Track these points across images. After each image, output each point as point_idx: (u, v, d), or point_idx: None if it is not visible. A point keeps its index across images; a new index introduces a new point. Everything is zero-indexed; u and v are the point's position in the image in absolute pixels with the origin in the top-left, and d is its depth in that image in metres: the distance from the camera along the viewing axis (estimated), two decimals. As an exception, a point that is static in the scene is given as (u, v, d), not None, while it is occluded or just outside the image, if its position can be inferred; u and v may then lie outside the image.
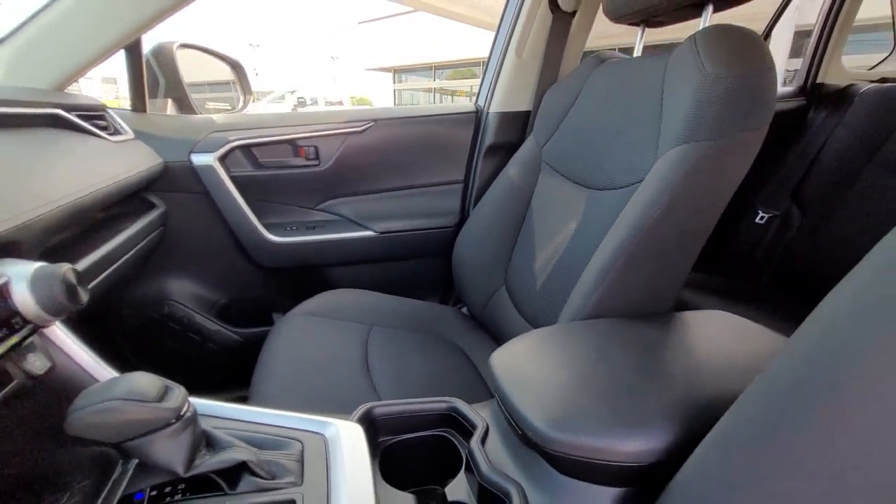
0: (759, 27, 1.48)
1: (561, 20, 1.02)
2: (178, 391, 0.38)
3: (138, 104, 0.96)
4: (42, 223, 0.49)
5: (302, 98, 10.59)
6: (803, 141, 1.33)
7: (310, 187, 1.10)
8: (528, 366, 0.48)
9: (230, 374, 1.09)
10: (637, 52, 0.85)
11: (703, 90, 0.59)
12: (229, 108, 1.29)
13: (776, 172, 1.38)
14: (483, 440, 0.46)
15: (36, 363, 0.43)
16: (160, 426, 0.37)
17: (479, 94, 1.18)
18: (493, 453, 0.45)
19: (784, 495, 0.27)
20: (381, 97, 19.98)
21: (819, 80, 1.39)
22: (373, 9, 17.78)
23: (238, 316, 1.14)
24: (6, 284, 0.38)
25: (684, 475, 0.34)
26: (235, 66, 1.20)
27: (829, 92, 1.35)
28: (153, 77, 1.01)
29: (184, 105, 1.04)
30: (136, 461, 0.40)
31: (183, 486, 0.38)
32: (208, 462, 0.39)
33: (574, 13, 1.02)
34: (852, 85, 1.32)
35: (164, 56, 0.99)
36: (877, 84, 1.30)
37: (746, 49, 0.61)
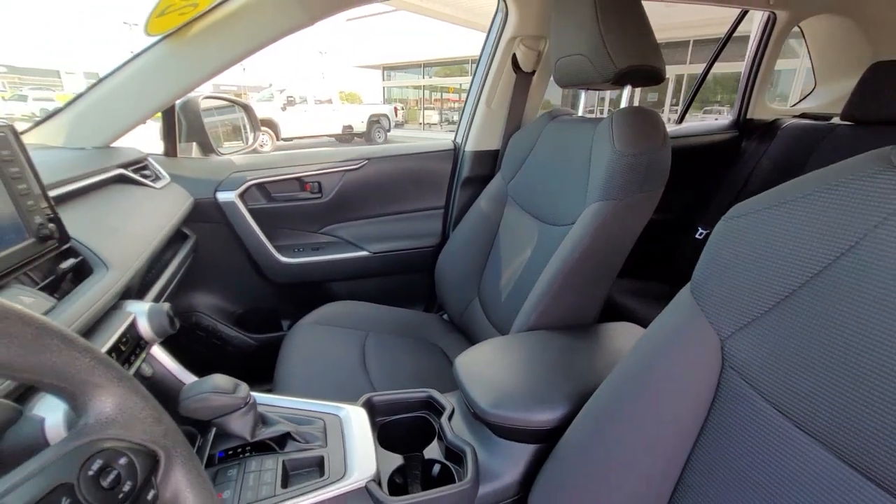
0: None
1: (522, 78, 1.23)
2: (244, 386, 0.59)
3: (170, 150, 1.16)
4: (140, 270, 0.68)
5: (291, 97, 10.62)
6: (735, 168, 1.55)
7: (314, 215, 1.31)
8: (480, 367, 0.70)
9: (247, 372, 1.29)
10: (580, 113, 1.06)
11: (613, 163, 0.80)
12: (233, 132, 1.47)
13: (715, 195, 1.61)
14: (450, 418, 0.67)
15: (147, 370, 0.63)
16: (235, 409, 0.57)
17: (456, 133, 1.39)
18: (456, 426, 0.66)
19: (613, 438, 0.48)
20: (371, 94, 20.01)
21: (749, 116, 1.62)
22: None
23: (253, 323, 1.34)
24: (135, 319, 0.59)
25: (568, 433, 0.55)
26: (246, 108, 1.39)
27: (757, 125, 1.58)
28: (180, 124, 1.20)
29: (205, 147, 1.23)
30: (214, 432, 0.60)
31: (249, 448, 0.58)
32: (265, 432, 0.59)
33: (533, 73, 1.23)
34: (777, 119, 1.55)
35: (190, 107, 1.18)
36: (797, 119, 1.53)
37: (647, 130, 0.82)
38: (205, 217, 1.16)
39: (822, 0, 1.38)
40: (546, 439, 0.59)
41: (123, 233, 0.72)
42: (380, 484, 0.55)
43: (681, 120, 1.82)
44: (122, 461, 0.27)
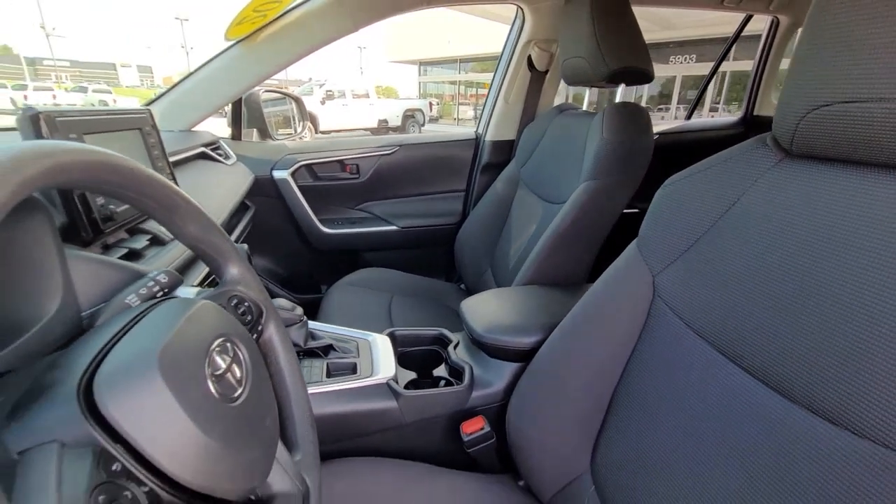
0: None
1: (536, 77, 1.39)
2: (300, 308, 0.78)
3: (236, 134, 1.39)
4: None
5: (330, 91, 11.01)
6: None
7: (352, 193, 1.51)
8: (480, 306, 0.87)
9: (292, 327, 1.52)
10: (584, 107, 1.22)
11: (600, 149, 0.96)
12: (285, 121, 1.70)
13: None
14: (455, 348, 0.85)
15: None
16: (293, 322, 0.77)
17: (478, 124, 1.56)
18: (459, 353, 0.84)
19: (569, 356, 0.65)
20: (407, 88, 20.32)
21: (756, 112, 1.71)
22: (400, 2, 17.97)
23: (296, 285, 1.56)
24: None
25: (540, 352, 0.72)
26: (297, 101, 1.61)
27: (764, 121, 1.67)
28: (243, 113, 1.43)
29: (263, 133, 1.46)
30: None
31: (301, 353, 0.78)
32: (313, 343, 0.79)
33: (546, 72, 1.39)
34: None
35: (253, 99, 1.40)
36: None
37: (632, 122, 0.97)
38: (262, 191, 1.38)
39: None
40: (525, 358, 0.76)
41: (207, 199, 0.94)
42: (397, 383, 0.74)
43: (689, 116, 1.92)
44: (247, 304, 0.47)
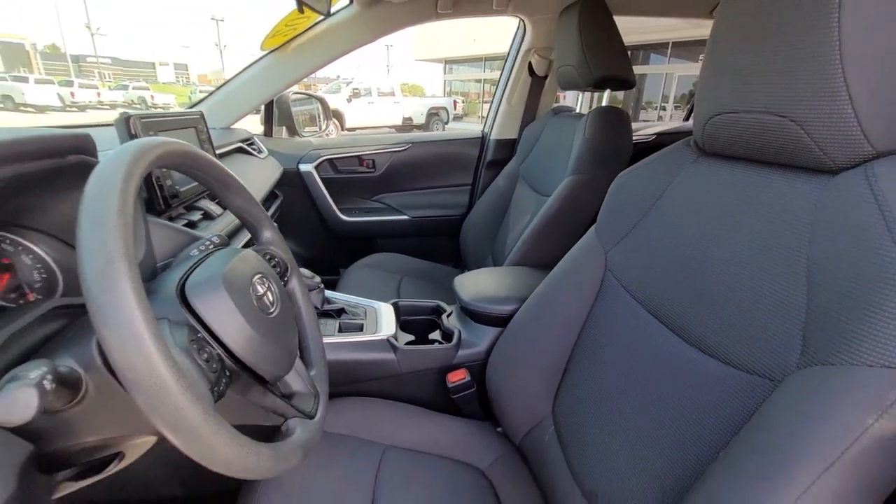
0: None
1: (537, 81, 1.52)
2: (318, 277, 0.95)
3: (267, 131, 1.57)
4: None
5: (357, 89, 11.26)
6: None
7: (368, 185, 1.68)
8: (469, 280, 1.02)
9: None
10: (578, 110, 1.34)
11: (581, 147, 1.09)
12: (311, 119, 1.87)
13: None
14: (448, 317, 1.00)
15: None
16: (311, 288, 0.93)
17: (484, 124, 1.70)
18: (451, 321, 0.99)
19: (536, 322, 0.79)
20: (433, 87, 20.48)
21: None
22: (427, 0, 18.11)
23: (317, 266, 1.72)
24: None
25: (514, 318, 0.86)
26: (321, 101, 1.79)
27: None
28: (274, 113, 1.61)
29: (291, 130, 1.64)
30: None
31: (318, 314, 0.94)
32: (328, 306, 0.95)
33: (545, 77, 1.52)
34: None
35: (283, 100, 1.58)
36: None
37: (612, 125, 1.10)
38: (289, 182, 1.56)
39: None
40: (504, 324, 0.90)
41: (246, 186, 1.11)
42: (396, 340, 0.89)
43: (687, 117, 2.01)
44: (276, 259, 0.63)
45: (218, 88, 1.39)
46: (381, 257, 1.56)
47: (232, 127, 1.43)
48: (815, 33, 0.42)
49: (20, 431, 0.40)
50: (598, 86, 1.16)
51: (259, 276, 0.51)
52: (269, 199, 1.45)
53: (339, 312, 0.96)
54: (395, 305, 1.03)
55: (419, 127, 12.56)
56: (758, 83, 0.49)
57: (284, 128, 1.64)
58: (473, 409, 0.92)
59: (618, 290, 0.70)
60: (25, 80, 16.09)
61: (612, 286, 0.72)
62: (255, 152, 1.38)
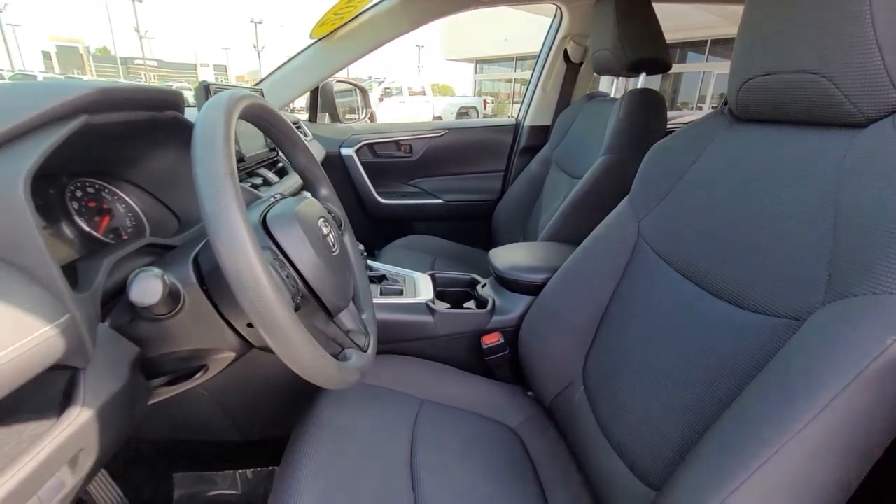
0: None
1: (571, 68, 1.55)
2: (361, 245, 1.01)
3: (312, 117, 1.66)
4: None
5: (388, 89, 11.45)
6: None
7: (405, 170, 1.75)
8: (504, 252, 1.07)
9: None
10: (612, 94, 1.36)
11: (615, 127, 1.12)
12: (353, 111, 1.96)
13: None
14: (482, 287, 1.05)
15: None
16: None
17: (519, 111, 1.74)
18: (485, 291, 1.03)
19: (568, 288, 0.83)
20: (464, 86, 20.56)
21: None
22: (459, 0, 18.19)
23: (355, 249, 1.81)
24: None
25: (547, 286, 0.90)
26: (362, 90, 1.87)
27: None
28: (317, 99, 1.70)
29: (333, 117, 1.72)
30: None
31: (363, 280, 1.01)
32: (370, 273, 1.02)
33: (581, 64, 1.54)
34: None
35: (326, 88, 1.67)
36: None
37: (647, 106, 1.12)
38: (331, 165, 1.65)
39: None
40: (536, 292, 0.94)
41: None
42: (434, 304, 0.95)
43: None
44: (333, 215, 0.69)
45: (269, 75, 1.48)
46: (416, 239, 1.62)
47: (282, 111, 1.52)
48: None
49: (131, 336, 0.48)
50: (634, 69, 1.18)
51: (322, 219, 0.57)
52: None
53: (381, 279, 1.02)
54: (433, 276, 1.08)
55: (449, 126, 12.59)
56: (791, 43, 0.52)
57: (327, 114, 1.73)
58: (505, 373, 0.97)
59: (650, 255, 0.73)
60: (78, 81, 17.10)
61: (644, 252, 0.75)
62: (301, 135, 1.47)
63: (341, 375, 0.47)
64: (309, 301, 0.52)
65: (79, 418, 0.38)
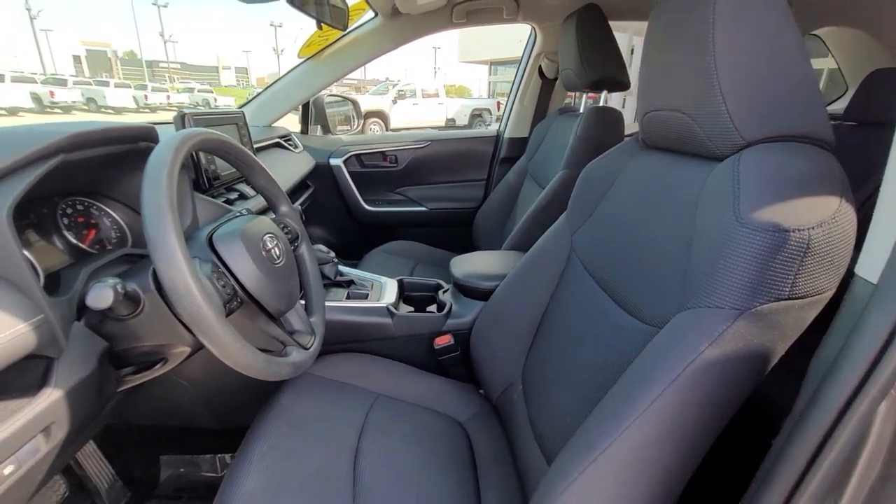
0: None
1: (547, 83, 1.62)
2: (332, 253, 1.11)
3: (304, 129, 1.77)
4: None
5: (402, 91, 11.58)
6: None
7: (390, 179, 1.85)
8: (463, 261, 1.15)
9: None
10: (581, 109, 1.44)
11: (573, 143, 1.19)
12: (346, 123, 2.07)
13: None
14: (444, 292, 1.14)
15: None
16: (326, 262, 1.09)
17: (500, 123, 1.82)
18: (446, 296, 1.12)
19: (512, 294, 0.91)
20: (480, 88, 20.60)
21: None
22: (474, 2, 18.26)
23: (343, 251, 1.91)
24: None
25: (496, 291, 0.98)
26: (353, 103, 1.97)
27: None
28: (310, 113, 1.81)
29: (325, 129, 1.83)
30: None
31: (330, 284, 1.10)
32: (340, 278, 1.11)
33: (555, 79, 1.62)
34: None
35: (318, 102, 1.77)
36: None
37: (604, 124, 1.19)
38: (321, 175, 1.75)
39: (822, 15, 1.53)
40: (486, 297, 1.02)
41: (278, 174, 1.30)
42: (395, 308, 1.04)
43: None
44: (288, 228, 0.79)
45: (262, 91, 1.60)
46: (399, 244, 1.72)
47: (274, 125, 1.64)
48: (698, 48, 0.52)
49: (101, 333, 0.58)
50: (595, 87, 1.25)
51: (269, 235, 0.67)
52: (302, 188, 1.65)
53: (349, 283, 1.12)
54: (400, 282, 1.17)
55: (462, 128, 12.68)
56: (669, 85, 0.60)
57: (319, 127, 1.84)
58: (458, 372, 1.05)
59: (577, 266, 0.81)
60: (106, 84, 17.80)
61: (574, 264, 0.83)
62: (291, 148, 1.58)
63: (270, 368, 0.57)
64: (250, 305, 0.61)
65: (50, 397, 0.48)
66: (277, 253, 0.67)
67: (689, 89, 0.56)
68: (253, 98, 1.61)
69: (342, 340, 1.03)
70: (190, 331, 0.61)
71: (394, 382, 0.97)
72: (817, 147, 0.50)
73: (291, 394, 0.86)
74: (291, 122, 1.72)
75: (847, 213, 0.45)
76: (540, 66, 1.60)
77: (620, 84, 1.23)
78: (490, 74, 19.65)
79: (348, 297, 1.06)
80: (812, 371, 0.39)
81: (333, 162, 1.75)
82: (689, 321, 0.49)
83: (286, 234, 0.78)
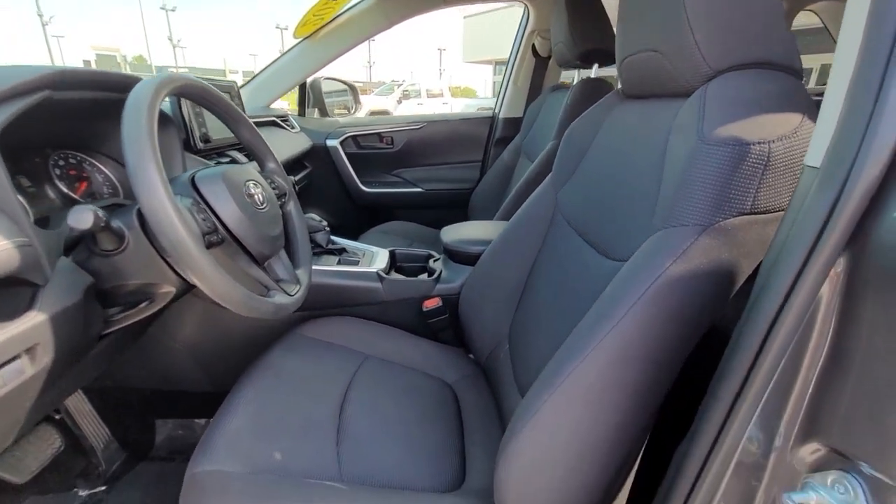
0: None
1: (540, 61, 1.63)
2: (325, 221, 1.12)
3: (301, 112, 1.79)
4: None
5: (407, 91, 11.64)
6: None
7: (387, 160, 1.86)
8: (453, 228, 1.16)
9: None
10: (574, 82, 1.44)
11: (563, 115, 1.20)
12: (345, 108, 2.09)
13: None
14: (434, 261, 1.15)
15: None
16: (318, 230, 1.11)
17: (496, 104, 1.83)
18: (436, 264, 1.13)
19: (499, 253, 0.92)
20: (486, 88, 20.64)
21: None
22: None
23: (341, 232, 1.92)
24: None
25: (482, 256, 0.99)
26: (351, 88, 1.99)
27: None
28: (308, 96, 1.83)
29: (322, 112, 1.85)
30: None
31: (322, 251, 1.12)
32: (332, 246, 1.13)
33: (548, 57, 1.62)
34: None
35: (315, 85, 1.79)
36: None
37: (592, 94, 1.20)
38: (317, 156, 1.77)
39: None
40: (473, 262, 1.03)
41: (275, 150, 1.32)
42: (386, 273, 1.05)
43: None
44: (275, 184, 0.80)
45: (259, 73, 1.62)
46: (395, 225, 1.73)
47: (271, 106, 1.66)
48: None
49: (88, 269, 0.60)
50: (585, 59, 1.26)
51: (252, 181, 0.69)
52: (299, 168, 1.67)
53: (340, 251, 1.13)
54: (392, 252, 1.18)
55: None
56: (643, 27, 0.61)
57: (317, 110, 1.86)
58: (448, 336, 1.06)
59: (561, 223, 0.82)
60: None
61: (558, 222, 0.84)
62: (288, 128, 1.60)
63: (251, 303, 0.58)
64: (231, 244, 0.63)
65: (35, 319, 0.50)
66: (261, 199, 0.68)
67: (659, 27, 0.56)
68: (250, 80, 1.63)
69: (332, 305, 1.04)
70: (174, 270, 0.63)
71: (383, 345, 0.98)
72: (784, 73, 0.51)
73: (280, 350, 0.88)
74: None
75: (809, 130, 0.45)
76: (533, 45, 1.61)
77: (611, 56, 1.23)
78: (495, 74, 19.67)
79: (339, 264, 1.07)
80: (763, 266, 0.40)
81: (330, 143, 1.77)
82: (655, 243, 0.49)
83: (274, 190, 0.79)
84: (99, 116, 0.72)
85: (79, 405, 0.97)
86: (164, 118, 0.84)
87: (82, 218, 0.50)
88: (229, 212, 0.61)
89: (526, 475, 0.55)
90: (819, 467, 0.35)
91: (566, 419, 0.52)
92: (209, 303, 1.01)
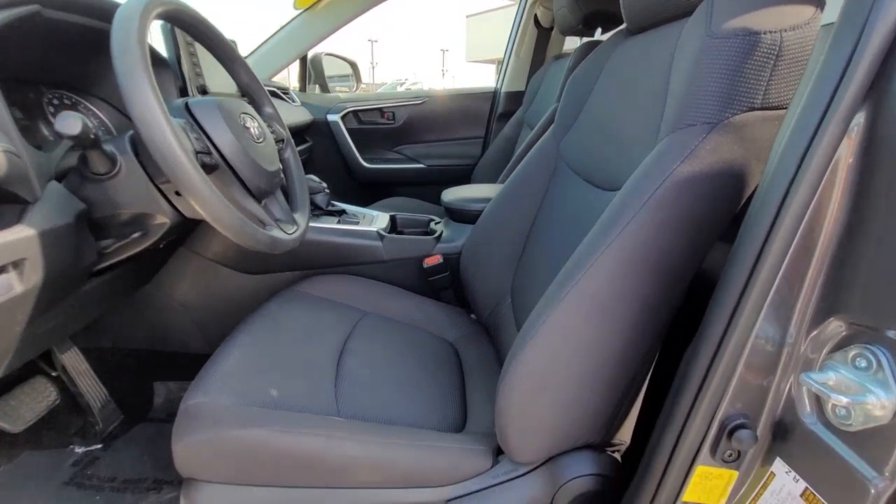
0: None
1: (542, 33, 1.61)
2: (324, 183, 1.10)
3: (302, 87, 1.78)
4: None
5: (409, 89, 11.66)
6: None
7: (388, 136, 1.85)
8: (453, 189, 1.14)
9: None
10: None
11: (565, 78, 1.18)
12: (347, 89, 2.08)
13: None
14: (436, 224, 1.13)
15: None
16: (319, 191, 1.09)
17: (497, 78, 1.81)
18: (438, 226, 1.11)
19: (501, 207, 0.90)
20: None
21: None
22: (481, 2, 18.33)
23: (343, 211, 1.92)
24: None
25: (484, 213, 0.97)
26: (353, 65, 1.98)
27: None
28: (309, 72, 1.82)
29: (324, 88, 1.84)
30: None
31: (321, 212, 1.10)
32: (332, 207, 1.11)
33: (551, 28, 1.61)
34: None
35: (317, 60, 1.78)
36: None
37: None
38: (318, 131, 1.76)
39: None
40: (475, 221, 1.01)
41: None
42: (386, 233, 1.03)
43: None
44: (274, 130, 0.79)
45: (259, 46, 1.61)
46: (397, 200, 1.71)
47: (273, 79, 1.65)
48: None
49: (80, 196, 0.58)
50: (589, 23, 1.24)
51: (249, 115, 0.67)
52: (299, 142, 1.66)
53: (341, 213, 1.12)
54: (392, 217, 1.17)
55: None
56: None
57: (317, 86, 1.85)
58: (449, 296, 1.04)
59: (564, 170, 0.81)
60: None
61: (561, 168, 0.82)
62: (288, 100, 1.59)
63: (246, 229, 0.57)
64: (226, 172, 0.61)
65: (22, 232, 0.49)
66: (256, 133, 0.67)
67: None
68: (251, 53, 1.62)
69: (331, 263, 1.02)
70: (168, 200, 0.62)
71: (384, 303, 0.96)
72: None
73: (279, 302, 0.86)
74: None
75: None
76: (535, 15, 1.60)
77: (615, 18, 1.21)
78: (497, 73, 19.66)
79: (339, 223, 1.06)
80: (779, 132, 0.38)
81: (331, 118, 1.76)
82: (663, 147, 0.47)
83: (271, 133, 0.78)
84: (92, 51, 0.70)
85: (76, 364, 0.96)
86: (159, 60, 0.83)
87: (70, 123, 0.49)
88: (225, 138, 0.60)
89: (526, 403, 0.54)
90: (838, 346, 0.33)
91: (569, 338, 0.50)
92: (207, 259, 1.00)
